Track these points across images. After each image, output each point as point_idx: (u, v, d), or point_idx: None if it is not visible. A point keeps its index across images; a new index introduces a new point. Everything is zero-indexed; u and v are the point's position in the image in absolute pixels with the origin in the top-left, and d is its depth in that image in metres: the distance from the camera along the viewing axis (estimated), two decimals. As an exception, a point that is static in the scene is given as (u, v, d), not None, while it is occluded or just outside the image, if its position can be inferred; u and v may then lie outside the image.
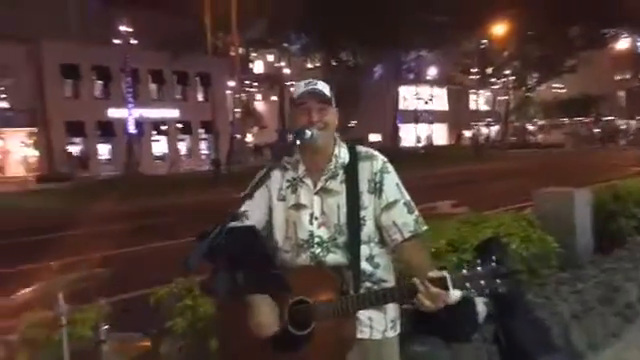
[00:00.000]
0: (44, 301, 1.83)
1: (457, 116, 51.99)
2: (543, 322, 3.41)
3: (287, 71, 35.96)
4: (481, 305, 3.35)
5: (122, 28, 28.94)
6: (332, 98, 1.94)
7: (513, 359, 3.21)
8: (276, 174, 1.99)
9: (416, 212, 1.96)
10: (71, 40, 28.61)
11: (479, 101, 53.32)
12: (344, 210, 1.89)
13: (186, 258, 1.55)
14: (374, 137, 44.38)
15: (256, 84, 38.86)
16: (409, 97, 46.51)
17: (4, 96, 28.52)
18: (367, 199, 1.91)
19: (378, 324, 1.95)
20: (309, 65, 38.57)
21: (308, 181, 1.94)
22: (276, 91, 34.13)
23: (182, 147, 36.36)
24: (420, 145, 46.97)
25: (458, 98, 52.22)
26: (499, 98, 52.51)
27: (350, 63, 35.95)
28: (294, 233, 1.92)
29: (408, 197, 1.97)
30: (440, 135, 53.44)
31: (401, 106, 43.62)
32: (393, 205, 1.92)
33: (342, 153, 1.96)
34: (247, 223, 1.96)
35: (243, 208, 1.97)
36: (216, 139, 29.06)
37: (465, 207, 12.16)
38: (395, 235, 1.91)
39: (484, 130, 53.26)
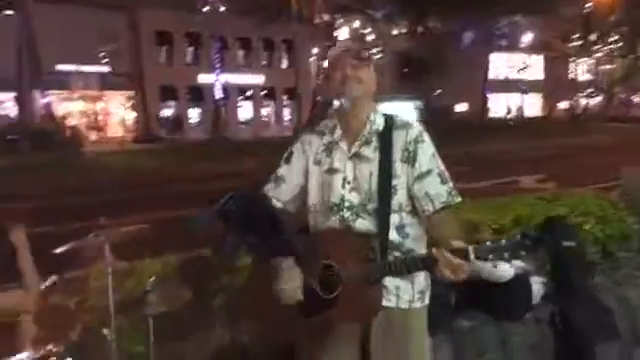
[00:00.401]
0: (92, 252, 2.00)
1: (553, 86, 48.69)
2: (606, 306, 3.22)
3: (371, 38, 35.35)
4: (537, 285, 3.23)
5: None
6: (369, 58, 1.93)
7: (568, 342, 3.07)
8: (314, 139, 2.03)
9: (450, 183, 1.94)
10: (165, 8, 29.85)
11: (579, 70, 49.52)
12: (376, 177, 1.90)
13: (192, 221, 1.64)
14: (461, 107, 42.80)
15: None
16: (500, 65, 44.11)
17: (106, 60, 30.45)
18: (400, 168, 1.91)
19: (405, 294, 1.96)
20: (394, 32, 37.60)
21: (343, 145, 1.97)
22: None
23: (266, 113, 37.23)
24: (509, 116, 44.68)
25: (555, 66, 48.73)
26: (602, 67, 48.45)
27: (437, 30, 34.62)
28: (327, 196, 1.96)
29: (443, 167, 1.95)
30: (533, 106, 50.49)
31: (491, 75, 41.50)
32: (426, 175, 1.91)
33: (378, 120, 1.96)
34: (284, 187, 2.02)
35: (280, 172, 2.05)
36: (298, 106, 29.40)
37: (551, 183, 11.58)
38: (427, 205, 1.90)
39: (583, 101, 49.58)
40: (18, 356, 1.62)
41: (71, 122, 28.32)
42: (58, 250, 1.95)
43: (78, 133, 26.77)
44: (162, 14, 30.03)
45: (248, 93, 35.52)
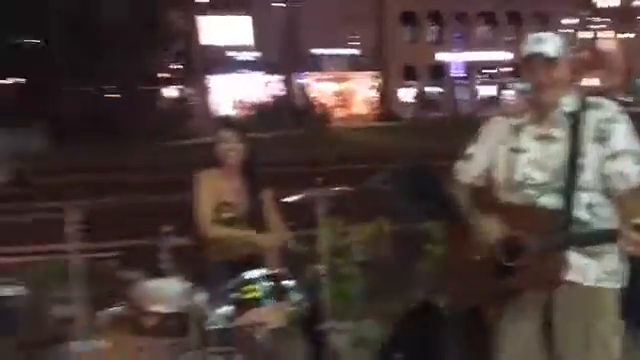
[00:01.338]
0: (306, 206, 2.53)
1: None
2: None
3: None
4: None
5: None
6: (561, 54, 1.95)
7: None
8: (503, 121, 2.16)
9: None
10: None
11: None
12: (562, 156, 1.96)
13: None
14: None
15: (606, 20, 33.91)
16: None
17: (354, 43, 32.69)
18: (590, 148, 1.93)
19: (591, 271, 1.97)
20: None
21: (530, 127, 2.05)
22: (627, 27, 29.11)
23: (511, 90, 35.33)
24: None
25: None
26: None
27: None
28: (512, 174, 2.07)
29: (638, 148, 1.91)
30: None
31: None
32: (619, 155, 1.91)
33: (569, 102, 2.00)
34: (473, 164, 2.21)
35: (470, 151, 2.24)
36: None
37: None
38: (619, 184, 1.91)
39: None
40: (255, 271, 2.26)
41: (322, 101, 31.48)
42: (284, 200, 2.55)
43: (328, 111, 29.69)
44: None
45: (491, 70, 34.27)
